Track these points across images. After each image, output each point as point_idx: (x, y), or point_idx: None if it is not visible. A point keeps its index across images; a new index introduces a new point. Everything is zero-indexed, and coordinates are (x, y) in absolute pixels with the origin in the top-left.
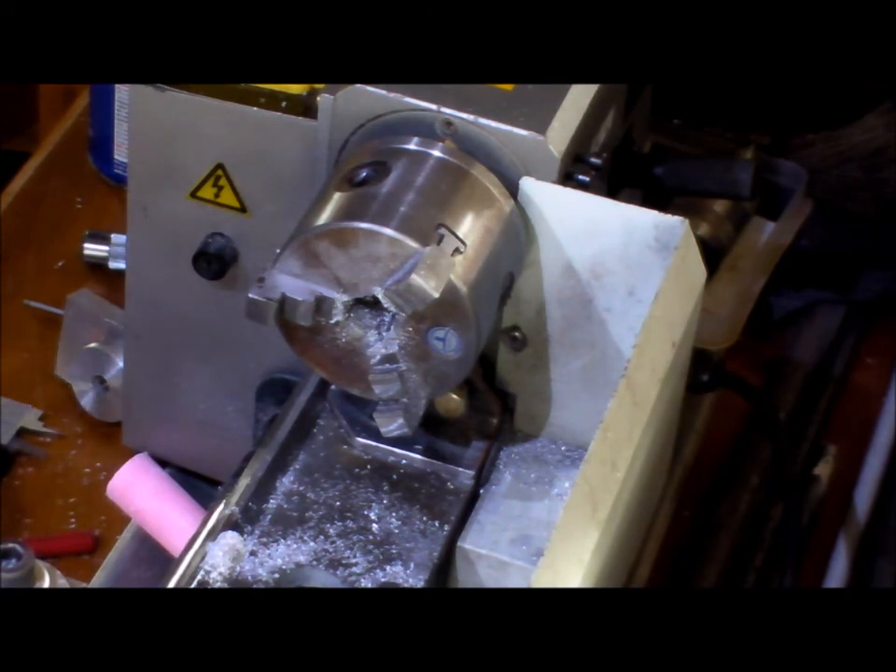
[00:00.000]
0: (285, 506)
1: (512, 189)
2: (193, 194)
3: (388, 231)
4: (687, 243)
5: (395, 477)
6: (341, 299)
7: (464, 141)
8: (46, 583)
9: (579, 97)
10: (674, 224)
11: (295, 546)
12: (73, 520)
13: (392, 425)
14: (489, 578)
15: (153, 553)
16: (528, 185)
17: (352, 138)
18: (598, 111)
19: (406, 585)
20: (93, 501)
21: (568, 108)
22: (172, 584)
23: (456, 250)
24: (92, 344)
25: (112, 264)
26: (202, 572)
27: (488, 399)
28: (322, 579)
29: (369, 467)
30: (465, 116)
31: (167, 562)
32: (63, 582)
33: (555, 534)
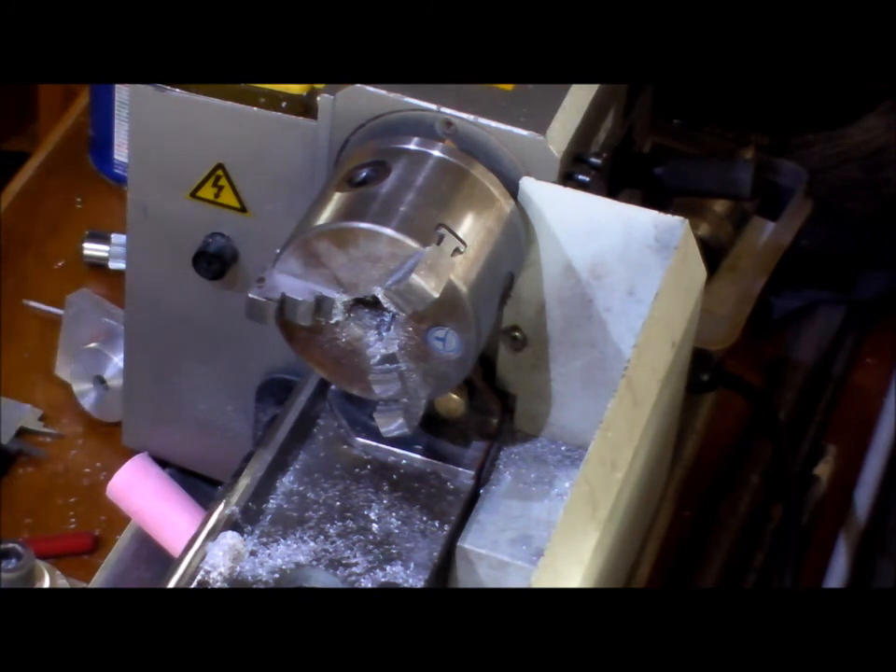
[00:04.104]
0: (285, 506)
1: (512, 189)
2: (193, 194)
3: (388, 231)
4: (687, 243)
5: (395, 477)
6: (341, 299)
7: (464, 141)
8: (46, 583)
9: (579, 97)
10: (674, 224)
11: (295, 546)
12: (73, 520)
13: (392, 425)
14: (489, 578)
15: (153, 553)
16: (528, 185)
17: (352, 138)
18: (598, 111)
19: (406, 585)
20: (93, 501)
21: (568, 108)
22: (172, 584)
23: (456, 250)
24: (92, 344)
25: (112, 264)
26: (202, 572)
27: (488, 399)
28: (322, 579)
29: (369, 467)
30: (465, 116)
31: (167, 562)
32: (63, 582)
33: (555, 534)
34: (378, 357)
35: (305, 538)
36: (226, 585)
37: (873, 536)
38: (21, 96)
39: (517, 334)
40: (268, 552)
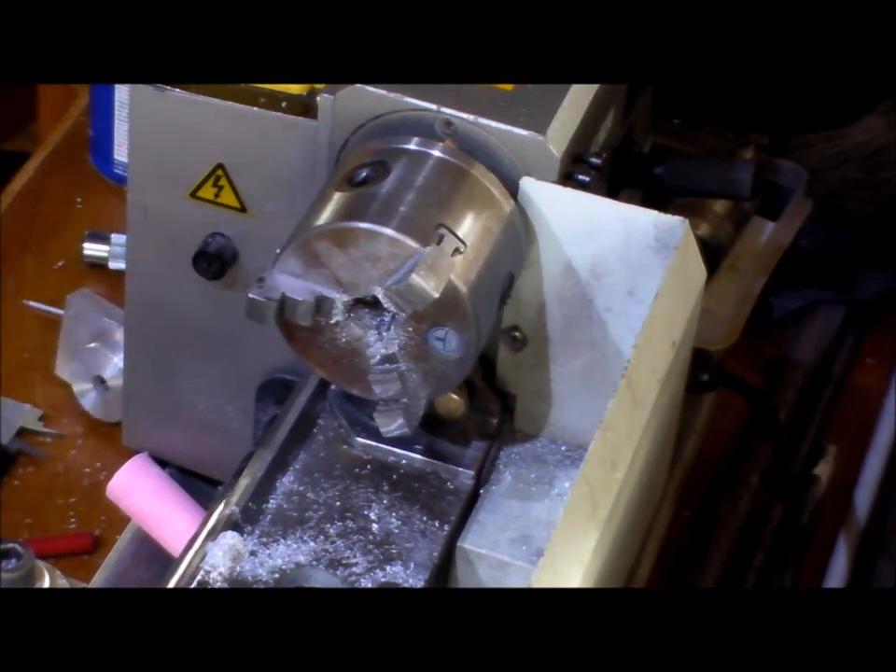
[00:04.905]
0: (285, 506)
1: (512, 189)
2: (193, 194)
3: (388, 231)
4: (687, 243)
5: (395, 477)
6: (341, 299)
7: (464, 141)
8: (46, 583)
9: (579, 97)
10: (674, 224)
11: (295, 546)
12: (73, 520)
13: (392, 425)
14: (489, 578)
15: (153, 553)
16: (528, 185)
17: (352, 138)
18: (598, 111)
19: (406, 585)
20: (93, 501)
21: (568, 108)
22: (172, 584)
23: (456, 250)
24: (92, 344)
25: (112, 264)
26: (202, 572)
27: (488, 399)
28: (322, 579)
29: (369, 467)
30: (465, 116)
31: (167, 562)
32: (63, 582)
33: (555, 534)
34: (378, 357)
35: (305, 538)
36: (226, 585)
37: (873, 536)
38: (21, 96)
39: (517, 334)
40: (268, 552)
